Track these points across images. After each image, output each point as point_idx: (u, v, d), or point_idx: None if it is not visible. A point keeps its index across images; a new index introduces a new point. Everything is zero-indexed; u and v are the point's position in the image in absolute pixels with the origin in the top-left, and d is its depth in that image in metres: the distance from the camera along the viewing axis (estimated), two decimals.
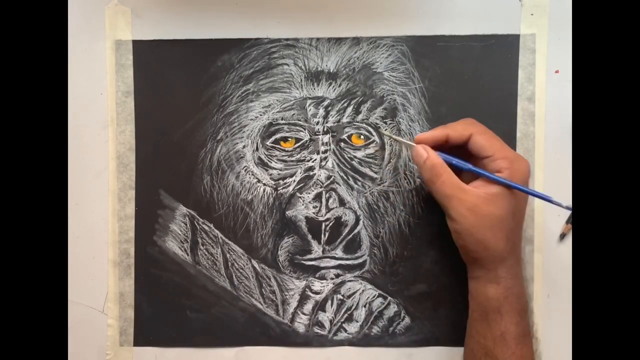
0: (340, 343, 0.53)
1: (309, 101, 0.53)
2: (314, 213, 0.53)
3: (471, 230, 0.43)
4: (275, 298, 0.53)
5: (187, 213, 0.53)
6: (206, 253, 0.53)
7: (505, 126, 0.52)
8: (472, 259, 0.45)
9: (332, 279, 0.53)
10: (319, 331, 0.53)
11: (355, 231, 0.53)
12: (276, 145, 0.53)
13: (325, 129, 0.53)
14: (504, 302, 0.43)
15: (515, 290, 0.44)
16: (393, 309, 0.53)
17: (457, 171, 0.45)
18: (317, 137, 0.53)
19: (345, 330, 0.53)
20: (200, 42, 0.53)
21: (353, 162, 0.53)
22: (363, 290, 0.53)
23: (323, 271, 0.53)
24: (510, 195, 0.43)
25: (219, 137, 0.53)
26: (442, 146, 0.46)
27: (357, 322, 0.53)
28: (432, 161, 0.44)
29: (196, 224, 0.53)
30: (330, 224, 0.53)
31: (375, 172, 0.53)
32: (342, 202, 0.53)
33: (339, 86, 0.52)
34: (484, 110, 0.52)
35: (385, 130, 0.52)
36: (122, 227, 0.53)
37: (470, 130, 0.44)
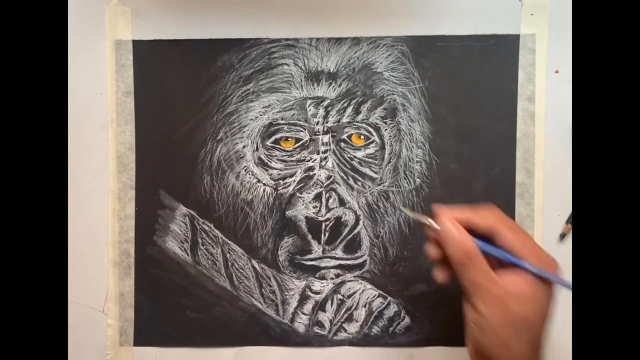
0: (340, 343, 0.53)
1: (309, 101, 0.53)
2: (314, 213, 0.53)
3: (496, 328, 0.38)
4: (275, 298, 0.53)
5: (187, 213, 0.53)
6: (206, 253, 0.53)
7: (505, 126, 0.52)
8: (488, 358, 0.40)
9: (332, 279, 0.53)
10: (319, 331, 0.53)
11: (355, 231, 0.53)
12: (276, 145, 0.53)
13: (325, 129, 0.53)
14: None
15: None
16: (393, 309, 0.53)
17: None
18: (317, 137, 0.53)
19: (345, 330, 0.53)
20: (200, 42, 0.53)
21: (353, 162, 0.53)
22: (363, 290, 0.53)
23: (323, 271, 0.53)
24: (540, 297, 0.38)
25: (219, 137, 0.53)
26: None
27: (357, 322, 0.53)
28: (466, 245, 0.39)
29: (196, 224, 0.53)
30: (330, 224, 0.53)
31: (375, 172, 0.53)
32: (342, 202, 0.53)
33: (339, 86, 0.52)
34: (484, 110, 0.52)
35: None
36: (122, 227, 0.53)
37: (498, 225, 0.39)
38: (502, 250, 0.40)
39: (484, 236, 0.40)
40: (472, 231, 0.40)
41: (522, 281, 0.38)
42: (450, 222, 0.40)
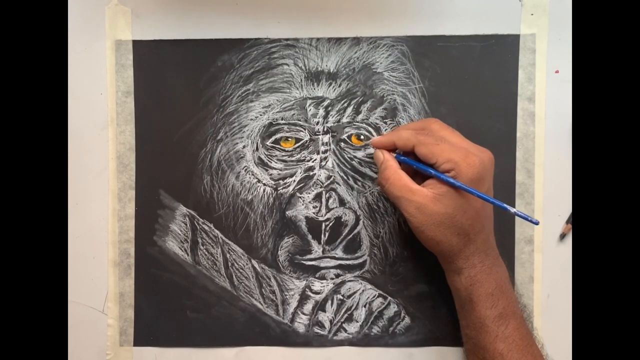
0: (340, 343, 0.53)
1: (309, 101, 0.53)
2: (314, 213, 0.53)
3: (421, 228, 0.44)
4: (275, 298, 0.53)
5: (187, 213, 0.53)
6: (206, 253, 0.53)
7: (505, 126, 0.52)
8: (434, 253, 0.47)
9: (332, 279, 0.53)
10: (319, 331, 0.53)
11: (355, 231, 0.53)
12: (276, 145, 0.53)
13: (325, 129, 0.53)
14: (471, 289, 0.45)
15: (479, 277, 0.45)
16: (393, 309, 0.53)
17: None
18: (317, 137, 0.53)
19: (345, 330, 0.53)
20: (200, 42, 0.53)
21: (353, 162, 0.53)
22: (363, 290, 0.53)
23: (323, 271, 0.53)
24: (457, 193, 0.44)
25: (219, 137, 0.53)
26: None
27: (357, 322, 0.53)
28: (385, 164, 0.46)
29: (196, 224, 0.53)
30: (330, 224, 0.53)
31: (375, 172, 0.53)
32: (342, 202, 0.53)
33: (339, 86, 0.52)
34: (484, 110, 0.52)
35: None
36: (122, 227, 0.53)
37: (412, 142, 0.45)
38: (417, 162, 0.46)
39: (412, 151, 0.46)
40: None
41: (439, 184, 0.44)
42: (378, 150, 0.48)
